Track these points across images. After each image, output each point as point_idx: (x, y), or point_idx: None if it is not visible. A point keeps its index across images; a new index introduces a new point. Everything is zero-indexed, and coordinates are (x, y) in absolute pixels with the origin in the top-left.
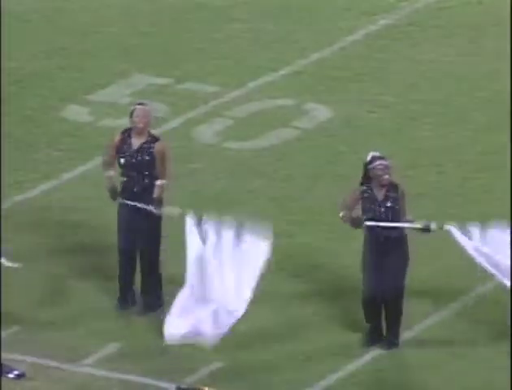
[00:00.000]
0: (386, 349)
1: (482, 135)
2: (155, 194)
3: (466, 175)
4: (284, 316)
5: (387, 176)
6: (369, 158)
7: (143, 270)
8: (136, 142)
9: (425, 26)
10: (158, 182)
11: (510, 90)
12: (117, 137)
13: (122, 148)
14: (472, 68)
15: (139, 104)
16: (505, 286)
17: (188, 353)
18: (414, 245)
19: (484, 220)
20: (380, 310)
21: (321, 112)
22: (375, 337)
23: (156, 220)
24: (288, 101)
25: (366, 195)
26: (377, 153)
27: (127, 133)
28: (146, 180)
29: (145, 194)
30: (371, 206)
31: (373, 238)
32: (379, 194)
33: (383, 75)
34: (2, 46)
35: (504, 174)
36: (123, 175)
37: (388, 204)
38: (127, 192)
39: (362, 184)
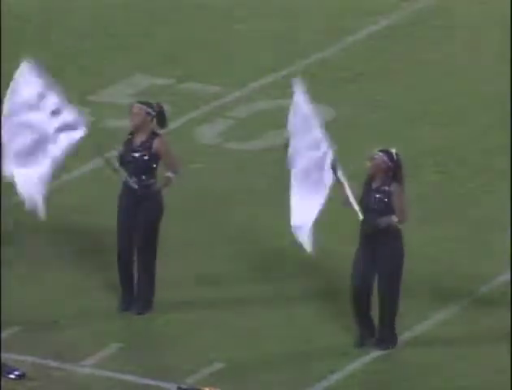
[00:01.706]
0: (382, 349)
1: (482, 135)
2: (158, 185)
3: (467, 175)
4: (284, 316)
5: (368, 163)
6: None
7: (139, 269)
8: (136, 141)
9: (426, 26)
10: (167, 174)
11: (510, 90)
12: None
13: (124, 147)
14: (473, 68)
15: (138, 103)
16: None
17: (188, 354)
18: (415, 245)
19: (485, 220)
20: (368, 306)
21: (322, 112)
22: (365, 335)
23: (154, 219)
24: (290, 102)
25: (365, 182)
26: (389, 149)
27: (131, 134)
28: (145, 179)
29: (144, 193)
30: (366, 194)
31: (363, 231)
32: (374, 184)
33: (384, 75)
34: (3, 46)
35: (504, 174)
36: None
37: (378, 195)
38: (126, 190)
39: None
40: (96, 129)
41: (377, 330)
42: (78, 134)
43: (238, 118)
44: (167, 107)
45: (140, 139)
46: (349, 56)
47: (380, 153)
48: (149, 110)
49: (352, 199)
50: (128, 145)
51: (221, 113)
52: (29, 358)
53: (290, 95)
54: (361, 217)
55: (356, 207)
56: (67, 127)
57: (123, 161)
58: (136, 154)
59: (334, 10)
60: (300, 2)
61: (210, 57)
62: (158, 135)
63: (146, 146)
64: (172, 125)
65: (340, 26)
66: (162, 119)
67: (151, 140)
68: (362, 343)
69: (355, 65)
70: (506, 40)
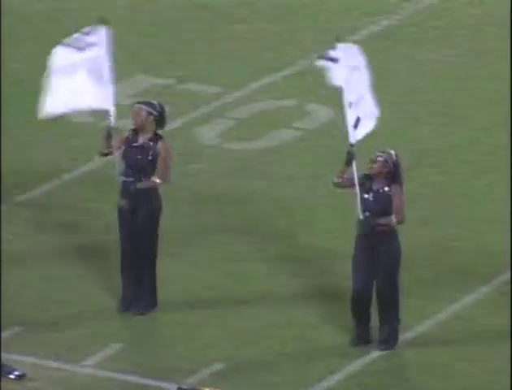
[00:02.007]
0: (382, 350)
1: (483, 135)
2: (141, 184)
3: (468, 175)
4: (284, 316)
5: (369, 165)
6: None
7: (141, 269)
8: (139, 141)
9: (426, 27)
10: (153, 178)
11: (511, 90)
12: (125, 134)
13: (125, 146)
14: (473, 69)
15: (138, 103)
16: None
17: (188, 354)
18: (414, 245)
19: (485, 220)
20: (366, 307)
21: (323, 113)
22: (361, 336)
23: (154, 219)
24: (290, 102)
25: (361, 182)
26: (389, 150)
27: (134, 132)
28: (144, 179)
29: (142, 194)
30: (365, 195)
31: (360, 232)
32: (374, 185)
33: (384, 75)
34: (3, 46)
35: (505, 174)
36: (122, 173)
37: (377, 196)
38: (125, 191)
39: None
40: (97, 129)
41: (378, 330)
42: (107, 106)
43: (238, 118)
44: (166, 107)
45: (143, 139)
46: None
47: (381, 155)
48: (150, 109)
49: (356, 184)
50: (130, 145)
51: (221, 113)
52: (29, 359)
53: (290, 95)
54: (361, 216)
55: (358, 199)
56: (101, 96)
57: (124, 159)
58: (139, 155)
59: (334, 10)
60: (300, 2)
61: (210, 57)
62: (161, 137)
63: (150, 147)
64: (172, 125)
65: (340, 26)
66: (160, 120)
67: (155, 141)
68: (358, 342)
69: None
70: (506, 40)
